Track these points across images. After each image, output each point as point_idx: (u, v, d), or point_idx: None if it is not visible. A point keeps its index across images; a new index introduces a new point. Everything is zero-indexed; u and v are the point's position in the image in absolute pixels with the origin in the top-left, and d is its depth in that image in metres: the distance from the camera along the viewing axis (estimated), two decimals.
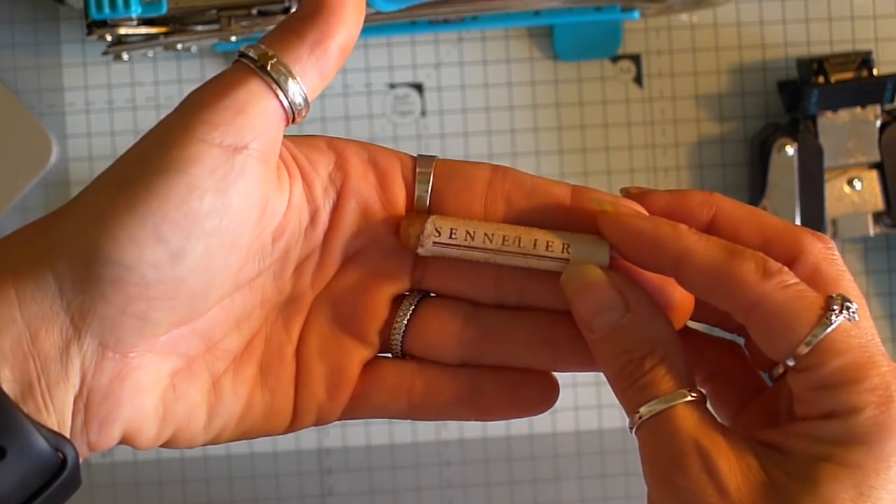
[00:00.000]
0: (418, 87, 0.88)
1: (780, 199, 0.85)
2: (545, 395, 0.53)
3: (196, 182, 0.46)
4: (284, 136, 0.50)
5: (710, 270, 0.48)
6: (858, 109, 0.85)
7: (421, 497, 0.89)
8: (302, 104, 0.48)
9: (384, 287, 0.53)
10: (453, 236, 0.51)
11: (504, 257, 0.51)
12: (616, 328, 0.50)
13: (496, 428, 0.89)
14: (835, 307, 0.47)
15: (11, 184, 0.87)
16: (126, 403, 0.48)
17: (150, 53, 0.84)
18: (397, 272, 0.53)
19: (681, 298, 0.52)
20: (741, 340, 0.55)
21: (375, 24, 0.85)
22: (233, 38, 0.81)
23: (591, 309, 0.50)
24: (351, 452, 0.89)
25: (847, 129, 0.85)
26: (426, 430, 0.89)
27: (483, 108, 0.88)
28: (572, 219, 0.52)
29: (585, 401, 0.89)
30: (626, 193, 0.53)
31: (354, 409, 0.53)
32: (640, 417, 0.49)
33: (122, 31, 0.80)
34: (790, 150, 0.84)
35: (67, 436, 0.48)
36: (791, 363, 0.47)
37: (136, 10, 0.78)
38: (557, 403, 0.54)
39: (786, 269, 0.48)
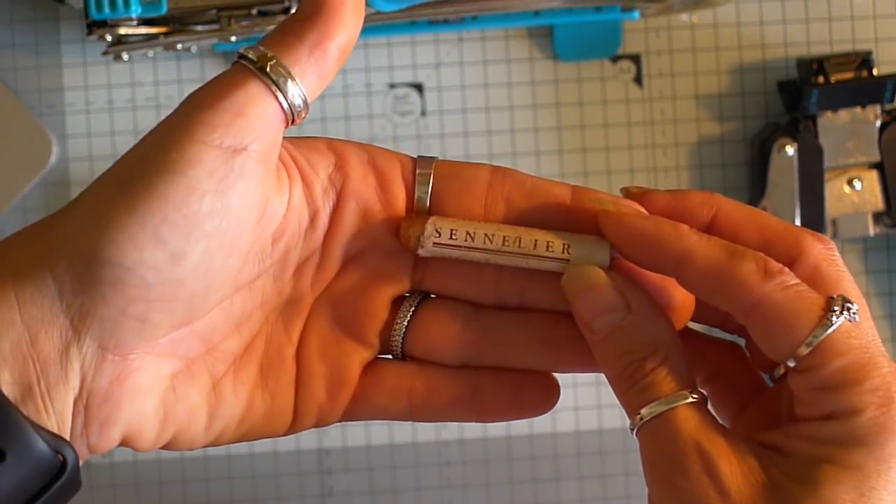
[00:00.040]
0: (418, 87, 0.88)
1: (780, 199, 0.85)
2: (546, 396, 0.53)
3: (195, 184, 0.46)
4: (284, 137, 0.50)
5: (711, 271, 0.48)
6: (858, 109, 0.85)
7: (421, 497, 0.89)
8: (301, 106, 0.48)
9: (384, 288, 0.53)
10: (453, 237, 0.51)
11: (504, 258, 0.51)
12: (617, 329, 0.50)
13: (496, 428, 0.89)
14: (835, 308, 0.47)
15: (11, 184, 0.87)
16: (126, 405, 0.48)
17: (150, 53, 0.84)
18: (397, 273, 0.53)
19: (681, 299, 0.52)
20: (742, 341, 0.55)
21: (375, 24, 0.85)
22: (233, 38, 0.81)
23: (593, 310, 0.50)
24: (351, 452, 0.89)
25: (847, 129, 0.85)
26: (426, 431, 0.89)
27: (483, 108, 0.88)
28: (573, 219, 0.52)
29: (585, 401, 0.89)
30: (627, 193, 0.53)
31: (355, 411, 0.53)
32: (641, 419, 0.49)
33: (122, 31, 0.80)
34: (790, 150, 0.84)
35: (67, 438, 0.47)
36: (792, 364, 0.47)
37: (136, 10, 0.78)
38: (557, 403, 0.54)
39: (786, 269, 0.48)
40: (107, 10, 0.77)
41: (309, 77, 0.48)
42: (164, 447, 0.51)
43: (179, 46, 0.82)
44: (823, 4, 0.88)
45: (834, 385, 0.47)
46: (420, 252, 0.51)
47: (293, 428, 0.53)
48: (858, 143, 0.85)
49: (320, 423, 0.53)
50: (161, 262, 0.46)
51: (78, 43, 0.87)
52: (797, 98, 0.85)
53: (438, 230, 0.51)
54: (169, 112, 0.48)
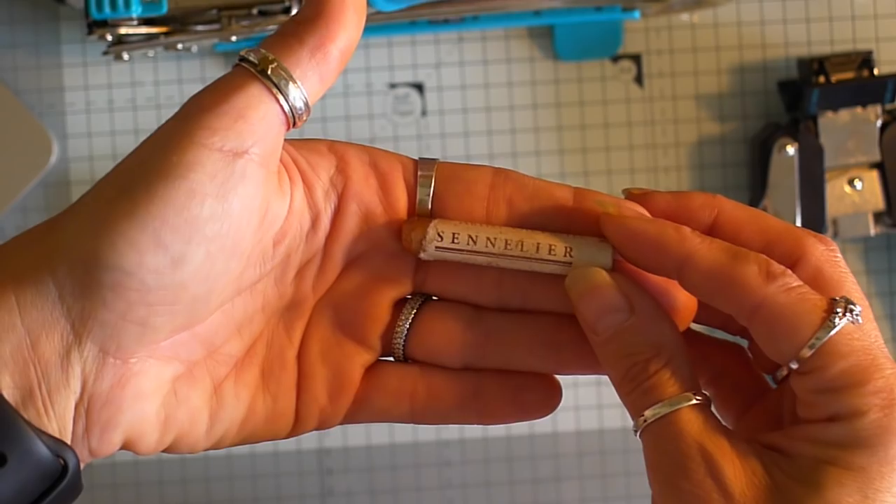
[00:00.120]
0: (419, 87, 0.88)
1: (781, 199, 0.84)
2: (548, 398, 0.53)
3: (196, 187, 0.46)
4: (285, 139, 0.50)
5: (714, 273, 0.48)
6: (859, 109, 0.85)
7: (421, 497, 0.89)
8: (303, 108, 0.48)
9: (386, 291, 0.53)
10: (455, 240, 0.51)
11: (507, 261, 0.51)
12: (620, 331, 0.50)
13: (496, 428, 0.89)
14: (838, 310, 0.47)
15: (11, 184, 0.87)
16: (127, 409, 0.48)
17: (151, 53, 0.84)
18: (399, 276, 0.53)
19: (684, 301, 0.52)
20: (744, 343, 0.55)
21: (376, 24, 0.85)
22: (233, 38, 0.81)
23: (596, 311, 0.50)
24: (351, 452, 0.89)
25: (847, 129, 0.85)
26: (426, 431, 0.89)
27: (483, 108, 0.88)
28: (575, 221, 0.52)
29: (586, 401, 0.89)
30: (628, 195, 0.53)
31: (356, 414, 0.53)
32: (645, 421, 0.49)
33: (123, 30, 0.80)
34: (791, 149, 0.84)
35: (68, 442, 0.47)
36: (794, 366, 0.47)
37: (136, 10, 0.78)
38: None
39: (789, 271, 0.48)
40: (107, 9, 0.77)
41: (310, 79, 0.48)
42: (166, 451, 0.51)
43: (180, 46, 0.82)
44: (824, 4, 0.88)
45: (837, 387, 0.47)
46: (422, 255, 0.51)
47: (295, 431, 0.53)
48: (859, 143, 0.85)
49: (322, 425, 0.53)
50: (162, 265, 0.46)
51: (78, 43, 0.87)
52: (798, 98, 0.85)
53: (440, 234, 0.51)
54: (169, 112, 0.48)
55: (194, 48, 0.84)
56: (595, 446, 0.89)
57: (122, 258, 0.46)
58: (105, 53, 0.82)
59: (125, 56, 0.82)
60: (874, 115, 0.85)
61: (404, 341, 0.53)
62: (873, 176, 0.86)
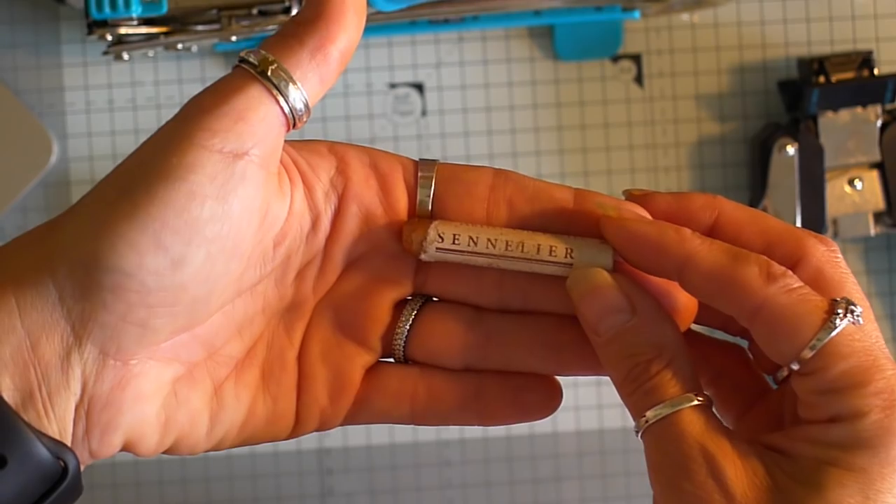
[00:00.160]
0: (419, 87, 0.88)
1: (781, 199, 0.84)
2: (548, 399, 0.53)
3: (196, 189, 0.46)
4: (285, 140, 0.50)
5: (714, 275, 0.48)
6: (859, 109, 0.85)
7: (421, 497, 0.89)
8: (303, 110, 0.48)
9: (386, 292, 0.53)
10: (456, 242, 0.51)
11: (507, 262, 0.51)
12: (622, 331, 0.50)
13: (497, 428, 0.88)
14: (839, 311, 0.47)
15: (11, 184, 0.87)
16: (127, 411, 0.48)
17: (151, 53, 0.84)
18: (399, 277, 0.53)
19: (684, 302, 0.52)
20: (744, 343, 0.55)
21: (376, 24, 0.85)
22: (233, 38, 0.81)
23: (598, 312, 0.50)
24: (351, 452, 0.89)
25: (848, 129, 0.85)
26: (426, 430, 0.89)
27: (483, 108, 0.88)
28: (575, 222, 0.52)
29: (586, 400, 0.89)
30: (629, 195, 0.53)
31: (357, 415, 0.53)
32: (647, 421, 0.49)
33: (123, 30, 0.80)
34: (791, 149, 0.84)
35: (68, 444, 0.47)
36: (795, 367, 0.47)
37: (136, 10, 0.78)
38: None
39: (790, 272, 0.48)
40: (107, 9, 0.77)
41: (310, 81, 0.48)
42: (166, 452, 0.51)
43: (180, 46, 0.82)
44: (824, 4, 0.88)
45: (838, 388, 0.47)
46: (423, 257, 0.51)
47: (295, 432, 0.53)
48: (859, 143, 0.85)
49: (322, 427, 0.53)
50: (162, 267, 0.46)
51: (78, 43, 0.87)
52: (798, 98, 0.85)
53: (441, 235, 0.51)
54: (170, 112, 0.48)
55: (194, 48, 0.84)
56: (595, 446, 0.89)
57: (123, 260, 0.46)
58: (105, 53, 0.82)
59: (125, 56, 0.82)
60: (874, 115, 0.85)
61: (405, 342, 0.53)
62: (873, 176, 0.86)
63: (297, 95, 0.48)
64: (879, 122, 0.85)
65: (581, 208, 0.52)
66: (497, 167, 0.53)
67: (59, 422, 0.47)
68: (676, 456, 0.48)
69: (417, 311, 0.53)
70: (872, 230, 0.86)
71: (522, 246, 0.51)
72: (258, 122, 0.47)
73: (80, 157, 0.87)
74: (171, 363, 0.49)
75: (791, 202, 0.84)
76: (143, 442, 0.49)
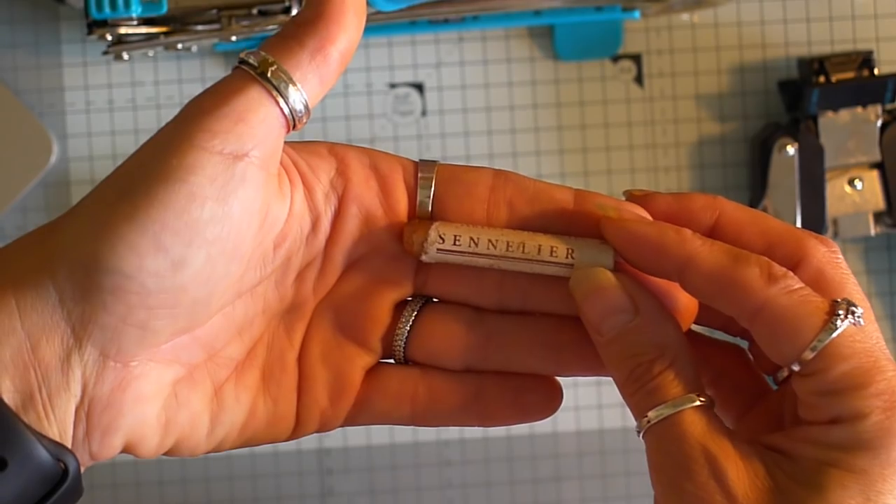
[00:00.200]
0: (419, 87, 0.88)
1: (781, 199, 0.84)
2: (548, 400, 0.53)
3: (196, 190, 0.46)
4: (285, 142, 0.49)
5: (715, 276, 0.48)
6: (859, 109, 0.85)
7: (421, 497, 0.89)
8: (303, 111, 0.48)
9: (386, 293, 0.53)
10: (457, 243, 0.51)
11: (508, 263, 0.51)
12: (625, 331, 0.50)
13: (497, 428, 0.88)
14: (840, 312, 0.47)
15: (11, 184, 0.86)
16: (128, 413, 0.48)
17: (151, 53, 0.84)
18: (399, 278, 0.53)
19: (685, 303, 0.52)
20: (745, 344, 0.54)
21: (376, 24, 0.85)
22: (233, 38, 0.80)
23: (600, 312, 0.50)
24: (351, 452, 0.89)
25: (848, 129, 0.85)
26: (426, 430, 0.89)
27: (483, 107, 0.88)
28: (575, 223, 0.52)
29: (586, 400, 0.89)
30: (629, 196, 0.53)
31: (357, 416, 0.53)
32: (648, 422, 0.49)
33: (123, 30, 0.80)
34: (791, 149, 0.84)
35: (69, 446, 0.47)
36: (796, 368, 0.47)
37: (136, 10, 0.78)
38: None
39: (790, 273, 0.48)
40: (107, 9, 0.77)
41: (310, 82, 0.48)
42: (167, 454, 0.51)
43: (180, 46, 0.82)
44: (824, 4, 0.88)
45: (839, 389, 0.47)
46: (424, 258, 0.51)
47: (295, 433, 0.53)
48: (859, 143, 0.85)
49: (323, 428, 0.53)
50: (162, 269, 0.46)
51: (78, 43, 0.87)
52: (798, 98, 0.85)
53: (442, 236, 0.51)
54: (169, 112, 0.48)
55: (194, 48, 0.84)
56: (595, 446, 0.89)
57: (123, 262, 0.46)
58: (105, 53, 0.82)
59: (125, 56, 0.82)
60: (874, 115, 0.85)
61: (405, 343, 0.53)
62: (873, 176, 0.86)
63: (297, 97, 0.48)
64: (879, 122, 0.85)
65: (581, 209, 0.52)
66: (497, 167, 0.53)
67: (60, 424, 0.47)
68: (678, 456, 0.48)
69: (418, 312, 0.53)
70: (872, 230, 0.86)
71: (523, 247, 0.51)
72: (258, 123, 0.47)
73: (79, 157, 0.87)
74: (171, 365, 0.49)
75: (791, 202, 0.84)
76: (143, 444, 0.49)
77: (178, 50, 0.83)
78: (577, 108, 0.88)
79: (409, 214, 0.52)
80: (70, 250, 0.47)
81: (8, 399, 0.46)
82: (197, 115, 0.47)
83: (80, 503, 0.49)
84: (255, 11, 0.80)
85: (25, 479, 0.46)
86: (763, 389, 0.54)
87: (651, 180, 0.88)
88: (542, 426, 0.89)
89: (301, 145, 0.52)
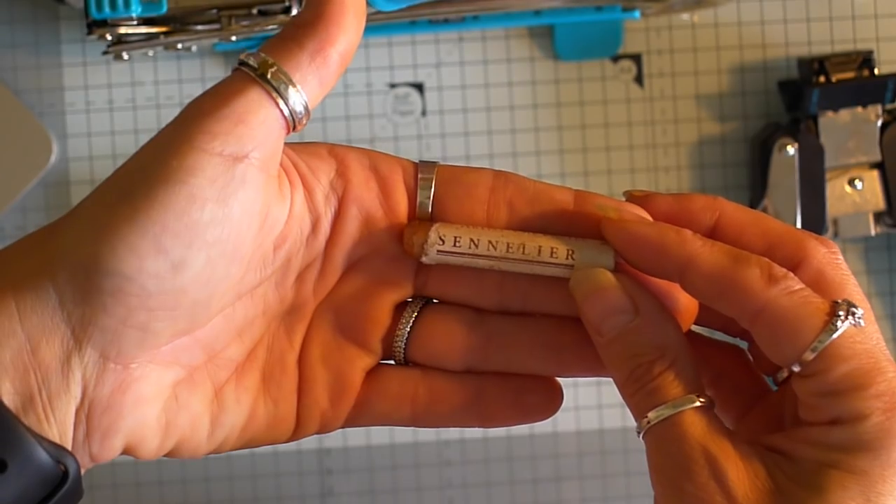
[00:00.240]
0: (419, 87, 0.88)
1: (781, 199, 0.84)
2: (549, 400, 0.53)
3: (196, 192, 0.46)
4: (285, 143, 0.49)
5: (716, 277, 0.48)
6: (859, 109, 0.85)
7: (421, 497, 0.89)
8: (302, 112, 0.48)
9: (387, 294, 0.53)
10: (457, 244, 0.51)
11: (508, 264, 0.51)
12: (625, 332, 0.50)
13: (497, 428, 0.89)
14: (840, 313, 0.47)
15: (11, 184, 0.86)
16: (128, 414, 0.48)
17: (151, 53, 0.84)
18: (400, 279, 0.53)
19: (685, 303, 0.52)
20: (744, 344, 0.54)
21: (376, 24, 0.85)
22: (233, 38, 0.80)
23: (601, 312, 0.50)
24: (351, 452, 0.89)
25: (848, 129, 0.85)
26: (426, 431, 0.89)
27: (484, 107, 0.88)
28: (576, 224, 0.52)
29: (586, 400, 0.89)
30: (629, 196, 0.53)
31: (357, 417, 0.53)
32: (648, 422, 0.49)
33: (123, 30, 0.80)
34: (791, 149, 0.84)
35: (69, 448, 0.47)
36: (797, 369, 0.47)
37: (136, 10, 0.78)
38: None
39: (791, 274, 0.48)
40: (107, 9, 0.77)
41: (310, 83, 0.48)
42: (167, 455, 0.51)
43: (180, 46, 0.82)
44: (824, 4, 0.88)
45: (839, 390, 0.47)
46: (424, 259, 0.51)
47: (296, 434, 0.53)
48: (859, 143, 0.85)
49: (323, 429, 0.53)
50: (162, 271, 0.46)
51: (78, 42, 0.87)
52: (798, 98, 0.85)
53: (442, 237, 0.51)
54: (169, 112, 0.48)
55: (194, 48, 0.84)
56: (595, 446, 0.89)
57: (123, 263, 0.46)
58: (105, 53, 0.82)
59: (125, 56, 0.82)
60: (874, 115, 0.85)
61: (405, 345, 0.53)
62: (874, 176, 0.86)
63: (297, 98, 0.48)
64: (880, 122, 0.85)
65: (581, 210, 0.52)
66: (497, 167, 0.53)
67: (60, 426, 0.47)
68: (678, 457, 0.48)
69: (418, 313, 0.53)
70: (873, 230, 0.86)
71: (523, 248, 0.51)
72: (258, 125, 0.47)
73: (79, 157, 0.87)
74: (171, 366, 0.49)
75: (791, 202, 0.84)
76: (143, 445, 0.49)
77: (178, 50, 0.83)
78: (577, 108, 0.88)
79: (409, 216, 0.52)
80: (70, 252, 0.47)
81: (8, 401, 0.46)
82: (197, 116, 0.47)
83: (81, 502, 0.49)
84: (255, 11, 0.80)
85: (25, 482, 0.46)
86: (763, 390, 0.54)
87: (651, 180, 0.88)
88: (543, 426, 0.89)
89: (301, 146, 0.52)
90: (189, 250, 0.46)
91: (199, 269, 0.47)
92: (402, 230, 0.52)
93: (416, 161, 0.53)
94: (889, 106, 0.85)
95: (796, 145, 0.84)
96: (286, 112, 0.48)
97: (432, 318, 0.53)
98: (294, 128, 0.48)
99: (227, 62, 0.87)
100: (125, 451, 0.49)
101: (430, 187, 0.52)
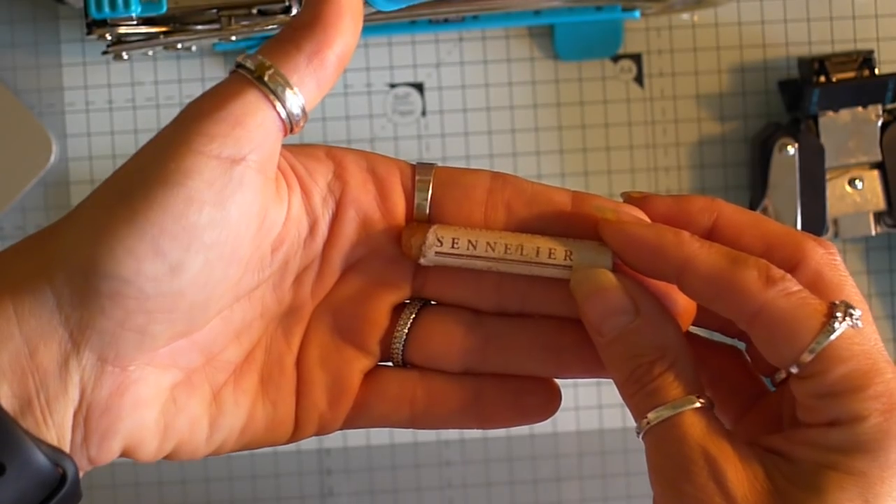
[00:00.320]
0: (419, 87, 0.88)
1: (782, 199, 0.84)
2: (547, 402, 0.53)
3: (194, 194, 0.46)
4: (283, 145, 0.49)
5: (713, 278, 0.48)
6: (859, 109, 0.85)
7: (421, 497, 0.89)
8: (300, 115, 0.48)
9: (385, 296, 0.53)
10: (455, 246, 0.51)
11: (507, 266, 0.51)
12: (625, 332, 0.50)
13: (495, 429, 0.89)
14: (838, 314, 0.47)
15: (11, 184, 0.86)
16: (126, 417, 0.48)
17: (150, 53, 0.84)
18: (398, 281, 0.53)
19: (683, 305, 0.52)
20: (742, 346, 0.54)
21: (375, 24, 0.85)
22: (233, 38, 0.80)
23: (601, 312, 0.50)
24: (351, 452, 0.89)
25: (848, 129, 0.85)
26: (426, 431, 0.89)
27: (484, 107, 0.88)
28: (573, 225, 0.52)
29: (586, 401, 0.89)
30: (628, 198, 0.53)
31: (356, 419, 0.53)
32: (648, 423, 0.49)
33: (122, 30, 0.80)
34: (791, 149, 0.84)
35: (67, 451, 0.47)
36: (794, 370, 0.47)
37: (135, 10, 0.77)
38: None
39: (789, 276, 0.48)
40: (107, 9, 0.77)
41: (307, 86, 0.48)
42: (166, 458, 0.51)
43: (179, 46, 0.82)
44: (825, 4, 0.88)
45: (837, 392, 0.47)
46: (422, 261, 0.51)
47: (295, 436, 0.53)
48: (860, 143, 0.85)
49: (321, 431, 0.53)
50: (160, 273, 0.46)
51: (78, 42, 0.87)
52: (798, 97, 0.85)
53: (440, 239, 0.51)
54: (169, 111, 0.48)
55: (194, 48, 0.84)
56: (595, 446, 0.89)
57: (121, 266, 0.46)
58: (105, 53, 0.82)
59: (125, 55, 0.82)
60: (875, 115, 0.85)
61: (403, 346, 0.53)
62: (874, 176, 0.85)
63: (295, 100, 0.48)
64: (880, 122, 0.85)
65: (579, 211, 0.52)
66: (497, 167, 0.53)
67: (58, 429, 0.47)
68: (677, 458, 0.48)
69: (416, 314, 0.53)
70: (873, 230, 0.86)
71: (521, 249, 0.51)
72: (255, 127, 0.47)
73: (79, 157, 0.87)
74: (169, 369, 0.49)
75: (792, 202, 0.84)
76: (142, 448, 0.49)
77: (177, 50, 0.83)
78: (577, 107, 0.88)
79: (407, 217, 0.52)
80: (68, 255, 0.47)
81: (6, 405, 0.46)
82: (194, 119, 0.47)
83: (80, 503, 0.49)
84: (254, 11, 0.80)
85: (24, 485, 0.46)
86: (761, 391, 0.54)
87: (651, 180, 0.88)
88: (543, 426, 0.89)
89: (298, 149, 0.52)
90: (187, 253, 0.46)
91: (197, 271, 0.47)
92: (400, 232, 0.52)
93: (414, 163, 0.53)
94: (889, 106, 0.85)
95: (796, 145, 0.84)
96: (283, 114, 0.48)
97: (430, 320, 0.53)
98: (291, 130, 0.48)
99: (227, 62, 0.87)
100: (123, 454, 0.49)
101: (428, 189, 0.52)
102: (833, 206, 0.85)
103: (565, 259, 0.51)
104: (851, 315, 0.47)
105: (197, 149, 0.46)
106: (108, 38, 0.80)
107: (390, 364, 0.54)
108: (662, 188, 0.88)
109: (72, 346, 0.47)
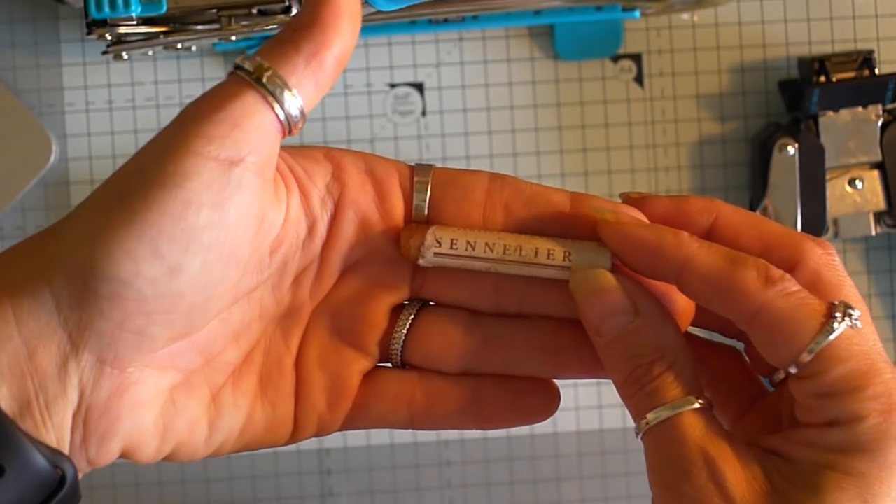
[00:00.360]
0: (419, 87, 0.88)
1: (782, 199, 0.84)
2: (546, 402, 0.53)
3: (193, 196, 0.46)
4: (281, 146, 0.49)
5: (712, 278, 0.48)
6: (860, 109, 0.85)
7: (421, 497, 0.89)
8: (298, 116, 0.48)
9: (383, 297, 0.53)
10: (454, 247, 0.51)
11: (505, 267, 0.51)
12: (625, 333, 0.50)
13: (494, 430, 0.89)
14: (837, 314, 0.47)
15: (11, 184, 0.86)
16: (125, 418, 0.48)
17: (150, 53, 0.84)
18: (396, 282, 0.53)
19: (682, 305, 0.52)
20: (741, 345, 0.54)
21: (375, 24, 0.85)
22: (233, 38, 0.80)
23: (601, 313, 0.50)
24: (351, 453, 0.89)
25: (848, 129, 0.85)
26: (426, 431, 0.89)
27: (484, 107, 0.88)
28: (572, 226, 0.52)
29: (586, 401, 0.89)
30: (626, 199, 0.53)
31: (355, 420, 0.53)
32: (647, 424, 0.49)
33: (122, 30, 0.80)
34: (791, 149, 0.84)
35: (66, 452, 0.47)
36: (793, 371, 0.47)
37: (135, 10, 0.77)
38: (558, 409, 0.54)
39: (788, 276, 0.48)
40: (107, 9, 0.77)
41: (306, 87, 0.48)
42: (165, 459, 0.51)
43: (179, 46, 0.82)
44: (825, 4, 0.88)
45: (836, 392, 0.47)
46: (421, 262, 0.51)
47: (294, 438, 0.53)
48: (860, 143, 0.85)
49: (321, 432, 0.53)
50: (159, 275, 0.46)
51: (78, 42, 0.87)
52: (798, 97, 0.85)
53: (439, 240, 0.51)
54: (169, 111, 0.48)
55: (194, 48, 0.84)
56: (595, 446, 0.89)
57: (119, 268, 0.46)
58: (104, 53, 0.82)
59: (125, 55, 0.82)
60: (875, 115, 0.85)
61: (402, 347, 0.53)
62: (874, 176, 0.85)
63: (293, 102, 0.48)
64: (880, 122, 0.85)
65: (578, 212, 0.52)
66: (497, 167, 0.53)
67: (57, 430, 0.47)
68: (676, 459, 0.48)
69: (414, 315, 0.53)
70: (873, 230, 0.86)
71: (520, 250, 0.51)
72: (254, 129, 0.47)
73: (79, 157, 0.87)
74: (168, 371, 0.49)
75: (792, 202, 0.84)
76: (141, 449, 0.49)
77: (177, 49, 0.83)
78: (577, 107, 0.88)
79: (406, 218, 0.52)
80: (67, 257, 0.47)
81: (5, 406, 0.46)
82: (193, 120, 0.47)
83: (80, 503, 0.49)
84: (254, 11, 0.80)
85: (23, 487, 0.46)
86: (760, 391, 0.54)
87: (651, 180, 0.88)
88: (543, 426, 0.89)
89: (297, 150, 0.52)
90: (185, 254, 0.46)
91: (196, 273, 0.47)
92: (399, 233, 0.52)
93: (413, 164, 0.53)
94: (889, 106, 0.85)
95: (796, 145, 0.84)
96: (282, 116, 0.48)
97: (429, 321, 0.53)
98: (290, 131, 0.48)
99: (227, 62, 0.87)
100: (122, 455, 0.49)
101: (426, 190, 0.52)
102: (833, 206, 0.85)
103: (564, 260, 0.51)
104: (850, 315, 0.47)
105: (195, 150, 0.46)
106: (108, 38, 0.80)
107: (389, 365, 0.54)
108: (662, 188, 0.88)
109: (71, 348, 0.47)
